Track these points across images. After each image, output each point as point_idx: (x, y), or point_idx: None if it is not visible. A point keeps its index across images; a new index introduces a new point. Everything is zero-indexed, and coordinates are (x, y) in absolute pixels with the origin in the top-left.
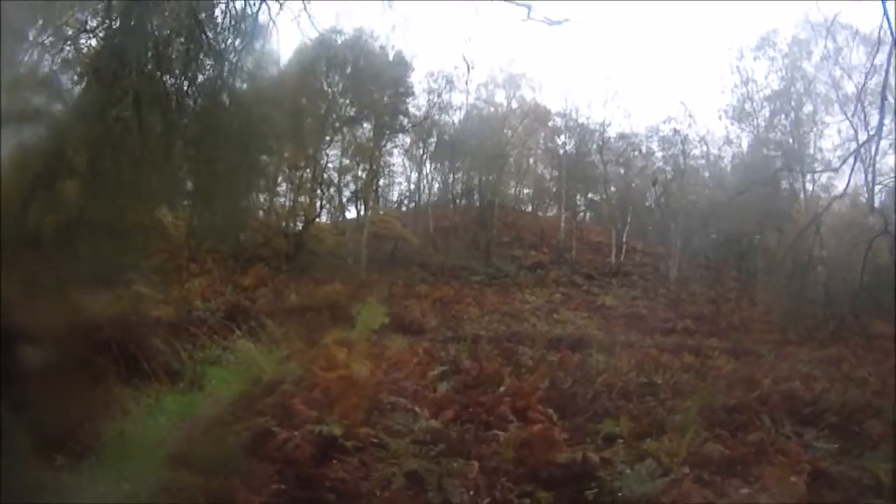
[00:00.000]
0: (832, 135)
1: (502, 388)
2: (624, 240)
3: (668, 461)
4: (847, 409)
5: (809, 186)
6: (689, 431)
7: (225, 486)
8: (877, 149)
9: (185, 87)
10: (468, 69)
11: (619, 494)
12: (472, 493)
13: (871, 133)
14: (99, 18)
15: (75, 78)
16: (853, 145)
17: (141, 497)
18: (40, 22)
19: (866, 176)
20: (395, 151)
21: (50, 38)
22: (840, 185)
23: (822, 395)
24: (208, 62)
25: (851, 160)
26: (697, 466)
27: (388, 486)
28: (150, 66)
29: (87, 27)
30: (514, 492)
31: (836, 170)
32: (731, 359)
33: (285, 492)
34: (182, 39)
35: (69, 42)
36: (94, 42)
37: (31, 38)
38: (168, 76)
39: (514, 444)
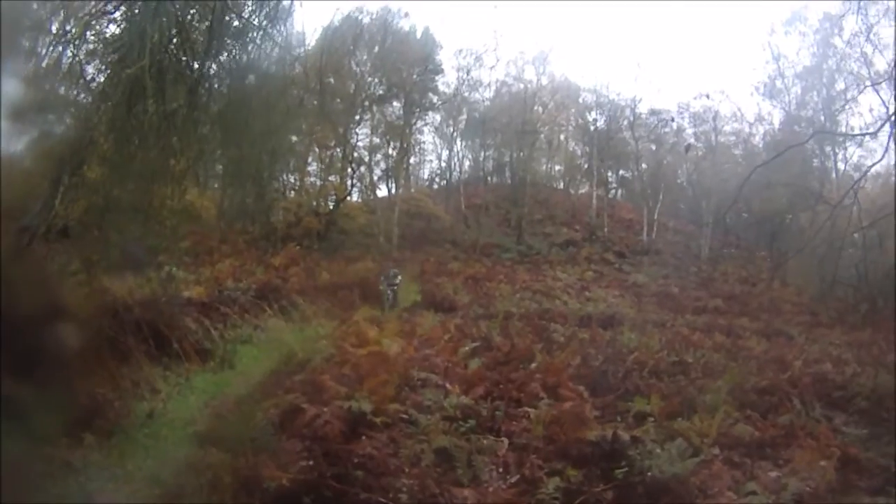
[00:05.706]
0: (864, 112)
1: (533, 365)
2: (655, 217)
3: (698, 441)
4: (877, 394)
5: (841, 165)
6: (719, 412)
7: (252, 463)
8: None
9: (210, 68)
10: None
11: (649, 474)
12: (501, 470)
13: None
14: (121, 3)
15: (101, 66)
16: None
17: (166, 475)
18: (62, 14)
19: None
20: (426, 129)
21: (74, 29)
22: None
23: (853, 379)
24: (232, 43)
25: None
26: (727, 447)
27: (418, 462)
28: (173, 49)
29: (110, 16)
30: (543, 469)
31: (874, 133)
32: (762, 339)
33: (313, 468)
34: (207, 22)
35: (93, 32)
36: (116, 29)
37: (54, 31)
38: (193, 59)
39: (544, 422)
